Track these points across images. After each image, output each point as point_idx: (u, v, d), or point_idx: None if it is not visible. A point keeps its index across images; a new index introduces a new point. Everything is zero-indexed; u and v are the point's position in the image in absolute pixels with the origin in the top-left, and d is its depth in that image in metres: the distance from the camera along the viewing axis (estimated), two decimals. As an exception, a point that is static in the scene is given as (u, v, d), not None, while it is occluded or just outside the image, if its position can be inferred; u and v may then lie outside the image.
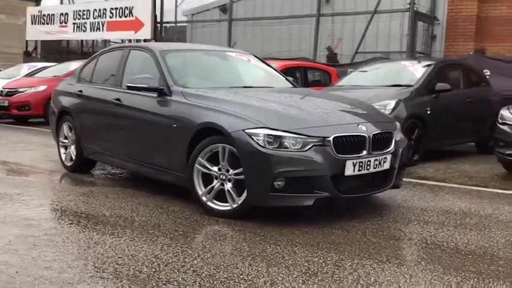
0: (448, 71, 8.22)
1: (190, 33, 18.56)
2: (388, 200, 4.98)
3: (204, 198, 4.38)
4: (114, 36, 19.03)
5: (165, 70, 5.06)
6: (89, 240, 3.65)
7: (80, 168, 6.31)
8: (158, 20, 17.80)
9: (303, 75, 9.87)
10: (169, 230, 3.92)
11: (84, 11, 19.23)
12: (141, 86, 4.95)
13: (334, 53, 13.60)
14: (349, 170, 4.09)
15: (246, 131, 4.05)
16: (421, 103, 7.31)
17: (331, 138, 4.03)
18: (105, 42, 21.54)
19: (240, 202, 4.18)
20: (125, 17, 18.09)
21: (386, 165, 4.37)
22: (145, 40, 17.99)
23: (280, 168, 3.94)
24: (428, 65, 7.92)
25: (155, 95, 4.97)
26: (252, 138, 4.00)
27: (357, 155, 4.15)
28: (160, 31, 18.02)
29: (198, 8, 18.61)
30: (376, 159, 4.26)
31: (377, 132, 4.33)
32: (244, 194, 4.15)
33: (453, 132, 7.85)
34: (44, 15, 20.58)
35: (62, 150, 6.56)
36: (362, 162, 4.16)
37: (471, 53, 11.51)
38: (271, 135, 3.99)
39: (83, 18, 19.31)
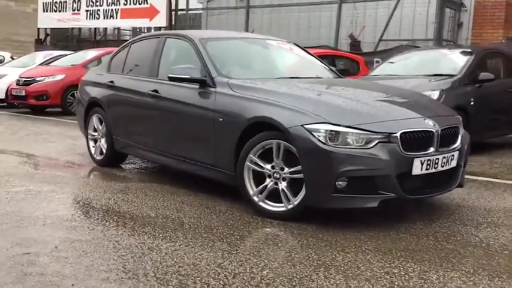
0: (489, 60, 7.85)
1: (206, 20, 18.18)
2: (445, 199, 4.67)
3: (255, 198, 4.08)
4: (129, 24, 18.77)
5: (207, 60, 4.74)
6: (142, 245, 3.36)
7: (111, 162, 6.03)
8: (173, 7, 17.44)
9: (330, 63, 9.51)
10: (223, 234, 3.63)
11: (97, -2, 18.88)
12: (182, 76, 4.63)
13: (357, 41, 13.23)
14: (417, 169, 3.77)
15: (306, 126, 3.72)
16: (464, 93, 6.96)
17: (398, 134, 3.71)
18: (118, 30, 21.27)
19: (296, 203, 3.88)
20: (140, 4, 17.76)
21: (453, 163, 4.05)
22: (160, 28, 17.68)
23: (344, 167, 3.62)
24: (470, 53, 7.55)
25: (197, 86, 4.66)
26: (312, 135, 3.68)
27: (424, 152, 3.83)
28: (176, 18, 17.65)
29: (214, -5, 18.22)
30: (444, 157, 3.93)
31: (445, 127, 4.01)
32: (302, 194, 3.84)
33: (496, 124, 7.52)
34: (56, 2, 20.27)
35: (91, 144, 6.27)
36: (430, 160, 3.83)
37: (503, 41, 11.11)
38: (332, 131, 3.67)
39: (96, 5, 19.00)
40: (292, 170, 3.88)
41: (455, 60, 7.52)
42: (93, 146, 6.24)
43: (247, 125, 4.11)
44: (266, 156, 4.03)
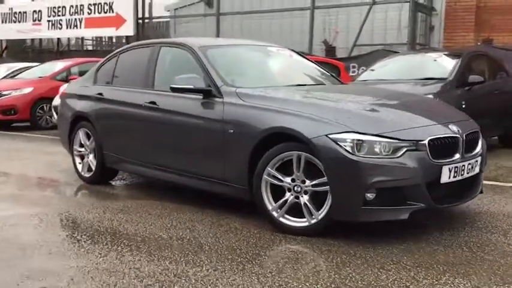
0: (475, 63, 7.85)
1: (174, 29, 17.85)
2: (461, 206, 4.53)
3: (275, 214, 3.84)
4: (94, 33, 18.26)
5: (209, 68, 4.48)
6: (166, 272, 3.07)
7: (100, 179, 5.68)
8: (140, 15, 17.05)
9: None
10: (249, 254, 3.38)
11: (59, 7, 18.34)
12: (186, 87, 4.37)
13: (332, 47, 13.17)
14: (445, 177, 3.62)
15: (331, 136, 3.52)
16: (456, 96, 6.90)
17: (426, 142, 3.55)
18: (82, 40, 20.69)
19: (320, 217, 3.66)
20: (105, 13, 17.31)
21: (477, 169, 3.93)
22: (127, 37, 17.28)
23: (373, 178, 3.43)
24: (458, 56, 7.53)
25: (200, 97, 4.40)
26: (339, 145, 3.48)
27: (450, 159, 3.68)
28: (143, 27, 17.26)
29: (181, 3, 17.91)
30: (469, 163, 3.81)
31: (468, 132, 3.88)
32: (326, 208, 3.63)
33: (485, 126, 7.48)
34: (15, 13, 19.58)
35: (78, 160, 5.91)
36: (457, 167, 3.69)
37: (479, 44, 11.24)
38: (360, 140, 3.48)
39: (58, 15, 18.42)
40: (314, 182, 3.66)
41: (444, 64, 7.50)
42: (80, 163, 5.88)
43: (263, 136, 3.88)
44: (284, 168, 3.81)
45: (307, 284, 2.88)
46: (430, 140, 3.57)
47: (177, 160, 4.65)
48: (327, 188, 3.60)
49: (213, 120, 4.25)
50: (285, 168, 3.81)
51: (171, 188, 5.30)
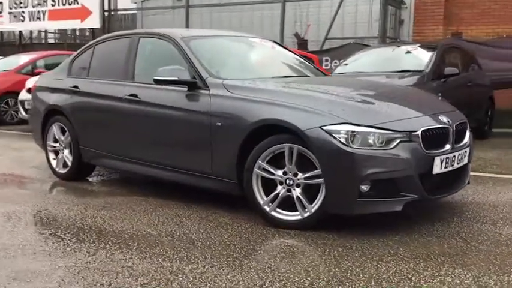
0: (449, 55, 7.94)
1: (141, 21, 17.52)
2: (445, 198, 4.55)
3: (266, 208, 3.76)
4: (58, 25, 17.74)
5: (193, 60, 4.36)
6: (161, 269, 2.96)
7: (77, 175, 5.49)
8: (106, 7, 16.65)
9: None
10: (244, 250, 3.30)
11: (21, -1, 17.70)
12: (170, 79, 4.24)
13: (304, 40, 13.14)
14: (437, 168, 3.61)
15: (324, 127, 3.46)
16: (433, 88, 6.93)
17: (419, 132, 3.53)
18: (45, 33, 20.11)
19: (313, 210, 3.61)
20: (69, 4, 16.82)
21: (465, 160, 3.94)
22: (93, 30, 16.88)
23: (369, 169, 3.39)
24: (433, 49, 7.60)
25: (185, 89, 4.28)
26: (333, 136, 3.42)
27: (442, 150, 3.68)
28: (109, 20, 16.86)
29: (148, -5, 17.58)
30: (459, 154, 3.81)
31: (458, 122, 3.89)
32: (319, 201, 3.58)
33: (460, 118, 7.59)
34: (-25, 4, 18.79)
35: (52, 156, 5.69)
36: (448, 157, 3.69)
37: (448, 37, 11.39)
38: (354, 131, 3.43)
39: (20, 7, 17.80)
40: (307, 175, 3.60)
41: (419, 56, 7.55)
42: (54, 159, 5.67)
43: (253, 128, 3.79)
44: (275, 161, 3.74)
45: (309, 279, 2.82)
46: (423, 131, 3.55)
47: (161, 154, 4.51)
48: (320, 180, 3.54)
49: (199, 112, 4.13)
50: (276, 161, 3.74)
51: (151, 183, 5.18)
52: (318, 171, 3.55)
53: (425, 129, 3.56)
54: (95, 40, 5.57)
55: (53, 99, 5.60)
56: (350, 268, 2.97)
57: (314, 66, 5.27)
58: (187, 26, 15.11)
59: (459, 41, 9.97)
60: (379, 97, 3.99)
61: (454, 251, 3.26)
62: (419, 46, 7.93)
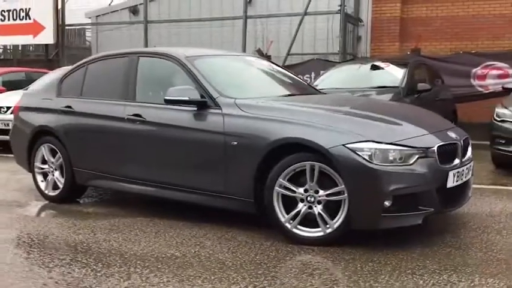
0: (418, 71, 8.30)
1: (96, 36, 17.19)
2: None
3: (288, 225, 3.82)
4: (9, 41, 17.13)
5: (201, 79, 4.38)
6: (206, 292, 2.96)
7: (68, 197, 5.36)
8: (60, 22, 16.25)
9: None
10: (278, 268, 3.34)
11: (-31, 13, 16.97)
12: (181, 98, 4.24)
13: (267, 55, 13.30)
14: (450, 182, 3.80)
15: (348, 145, 3.57)
16: (408, 103, 7.24)
17: (435, 148, 3.70)
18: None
19: (335, 226, 3.70)
20: (20, 19, 16.30)
21: (470, 174, 4.15)
22: (46, 45, 16.45)
23: (392, 185, 3.52)
24: (404, 65, 7.93)
25: (194, 109, 4.29)
26: (357, 154, 3.54)
27: (453, 165, 3.87)
28: (62, 35, 16.46)
29: (102, 10, 17.28)
30: (466, 168, 4.02)
31: (464, 138, 4.10)
32: (341, 217, 3.67)
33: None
34: None
35: (39, 178, 5.53)
36: (459, 171, 3.89)
37: (408, 53, 11.87)
38: (376, 149, 3.56)
39: (-31, 22, 17.05)
40: (329, 192, 3.69)
41: (392, 72, 7.85)
42: (42, 181, 5.51)
43: (272, 147, 3.85)
44: (294, 179, 3.81)
45: (357, 294, 2.90)
46: (438, 146, 3.73)
47: (169, 174, 4.47)
48: (342, 197, 3.65)
49: (212, 132, 4.15)
50: (295, 178, 3.81)
51: (147, 202, 5.15)
52: (340, 188, 3.65)
53: (440, 145, 3.74)
54: (86, 59, 5.47)
55: (41, 119, 5.45)
56: (389, 282, 3.07)
57: (308, 84, 5.39)
58: (145, 42, 14.98)
59: (419, 57, 10.44)
60: (389, 115, 4.12)
61: (476, 261, 3.43)
62: (391, 63, 8.23)
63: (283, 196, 3.84)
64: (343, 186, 3.63)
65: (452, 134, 4.00)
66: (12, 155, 6.07)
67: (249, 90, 4.63)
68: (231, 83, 4.61)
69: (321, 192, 3.73)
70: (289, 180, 3.81)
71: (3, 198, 5.68)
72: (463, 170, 3.96)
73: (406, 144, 3.64)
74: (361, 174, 3.54)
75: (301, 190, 3.78)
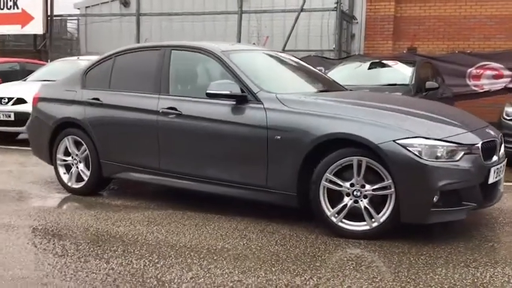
0: (424, 70, 8.46)
1: (85, 28, 16.96)
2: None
3: (333, 219, 3.89)
4: (-5, 31, 16.74)
5: (240, 74, 4.41)
6: (271, 282, 3.01)
7: (92, 190, 5.33)
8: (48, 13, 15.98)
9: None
10: (334, 260, 3.42)
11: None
12: (223, 93, 4.26)
13: (263, 51, 13.33)
14: (491, 178, 3.92)
15: (398, 141, 3.66)
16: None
17: (479, 145, 3.82)
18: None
19: (382, 220, 3.78)
20: (8, 9, 15.99)
21: (503, 171, 4.28)
22: (35, 36, 16.19)
23: (442, 181, 3.62)
24: (412, 64, 8.07)
25: (232, 103, 4.33)
26: (408, 149, 3.63)
27: (493, 161, 3.99)
28: (51, 25, 16.19)
29: (92, 1, 17.04)
30: (503, 165, 4.15)
31: (500, 135, 4.23)
32: (387, 211, 3.76)
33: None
34: None
35: (62, 170, 5.48)
36: (498, 168, 4.01)
37: (404, 52, 12.05)
38: (426, 145, 3.65)
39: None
40: (376, 186, 3.77)
41: (401, 70, 7.98)
42: (65, 173, 5.46)
43: (318, 142, 3.91)
44: (339, 174, 3.89)
45: (423, 285, 2.98)
46: (482, 143, 3.84)
47: (208, 168, 4.49)
48: (388, 191, 3.73)
49: (254, 126, 4.19)
50: (340, 173, 3.89)
51: (170, 195, 5.19)
52: (386, 183, 3.73)
53: (483, 142, 3.86)
54: (113, 51, 5.42)
55: (66, 111, 5.39)
56: (448, 274, 3.17)
57: (334, 80, 5.47)
58: (138, 35, 14.89)
59: (422, 56, 10.63)
60: (430, 112, 4.20)
61: (521, 254, 3.56)
62: (399, 61, 8.37)
63: (328, 190, 3.91)
64: (390, 181, 3.71)
65: (492, 132, 4.13)
66: (14, 147, 5.99)
67: (285, 85, 4.69)
68: (267, 78, 4.65)
69: (368, 186, 3.81)
70: (335, 175, 3.88)
71: (22, 190, 5.61)
72: (501, 167, 4.08)
73: (453, 140, 3.74)
74: (412, 170, 3.63)
75: (347, 184, 3.85)
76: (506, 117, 6.76)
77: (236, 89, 4.28)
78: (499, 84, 10.81)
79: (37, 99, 5.82)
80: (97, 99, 5.18)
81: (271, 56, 5.31)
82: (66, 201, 5.20)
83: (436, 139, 3.69)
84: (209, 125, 4.43)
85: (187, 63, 4.91)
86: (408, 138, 3.67)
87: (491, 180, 3.91)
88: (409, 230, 3.88)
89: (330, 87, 5.10)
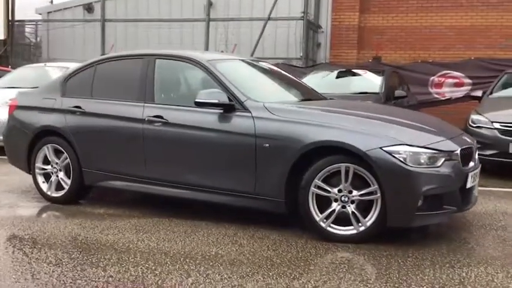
0: (392, 78, 8.74)
1: (47, 33, 16.66)
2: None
3: (322, 224, 4.02)
4: (-47, 36, 16.23)
5: (227, 83, 4.50)
6: (270, 286, 3.10)
7: (73, 198, 5.29)
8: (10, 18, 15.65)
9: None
10: (327, 264, 3.55)
11: None
12: (211, 101, 4.34)
13: (230, 59, 13.43)
14: (469, 183, 4.13)
15: (385, 148, 3.82)
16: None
17: (458, 151, 4.02)
18: None
19: (368, 224, 3.94)
20: (-33, 14, 15.53)
21: (478, 176, 4.51)
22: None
23: (425, 186, 3.80)
24: (380, 73, 8.33)
25: (219, 111, 4.41)
26: (394, 156, 3.79)
27: (469, 167, 4.21)
28: (12, 31, 15.86)
29: (55, 6, 16.78)
30: (478, 170, 4.37)
31: (475, 142, 4.45)
32: (373, 216, 3.92)
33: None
34: None
35: (41, 179, 5.42)
36: (474, 174, 4.23)
37: (370, 61, 12.39)
38: (410, 151, 3.83)
39: None
40: (363, 192, 3.93)
41: (370, 79, 8.22)
42: (44, 182, 5.41)
43: (306, 150, 4.03)
44: (327, 180, 4.02)
45: (415, 285, 3.14)
46: (461, 149, 4.05)
47: (195, 175, 4.54)
48: (374, 197, 3.89)
49: (242, 134, 4.28)
50: (327, 179, 4.02)
51: (151, 203, 5.20)
52: (372, 188, 3.89)
53: (462, 149, 4.07)
54: (94, 59, 5.41)
55: (45, 119, 5.35)
56: (436, 275, 3.34)
57: (312, 89, 5.62)
58: (102, 41, 14.75)
59: (386, 66, 10.95)
60: (411, 120, 4.39)
61: (500, 254, 3.78)
62: (368, 70, 8.62)
63: (317, 196, 4.04)
64: (376, 186, 3.87)
65: (467, 139, 4.35)
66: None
67: (269, 93, 4.80)
68: (252, 87, 4.74)
69: (355, 192, 3.95)
70: (323, 181, 4.01)
71: (6, 201, 5.50)
72: (476, 173, 4.31)
73: (435, 147, 3.93)
74: (398, 175, 3.80)
75: (335, 190, 3.99)
76: (472, 124, 7.08)
77: (224, 98, 4.37)
78: (460, 92, 11.27)
79: (14, 107, 5.74)
80: (78, 107, 5.16)
81: (253, 65, 5.41)
82: (47, 210, 5.15)
83: (419, 146, 3.88)
84: (196, 133, 4.50)
85: (172, 72, 4.96)
86: (394, 145, 3.84)
87: (469, 185, 4.13)
88: (392, 234, 4.05)
89: (310, 95, 5.25)
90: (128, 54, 5.30)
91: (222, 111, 4.41)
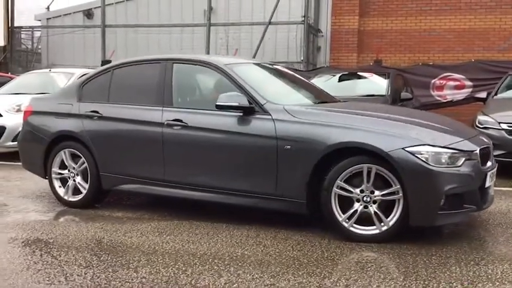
0: (397, 81, 8.84)
1: (47, 40, 16.67)
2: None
3: (345, 224, 4.08)
4: (-48, 42, 16.22)
5: (246, 86, 4.56)
6: (302, 285, 3.15)
7: (90, 202, 5.33)
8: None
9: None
10: (354, 265, 3.59)
11: None
12: (232, 104, 4.40)
13: (232, 63, 13.50)
14: (488, 182, 4.21)
15: (407, 149, 3.89)
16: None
17: (478, 151, 4.10)
18: None
19: (391, 223, 4.00)
20: (-34, 20, 15.54)
21: (495, 176, 4.58)
22: (-5, 47, 15.80)
23: (448, 185, 3.87)
24: (386, 75, 8.42)
25: (239, 114, 4.47)
26: (416, 157, 3.86)
27: (487, 167, 4.28)
28: (12, 37, 15.86)
29: (54, 12, 16.79)
30: (495, 170, 4.45)
31: (491, 142, 4.54)
32: (396, 215, 3.98)
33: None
34: None
35: (57, 184, 5.45)
36: (492, 173, 4.31)
37: (371, 64, 12.49)
38: (432, 152, 3.90)
39: None
40: (385, 192, 3.99)
41: (377, 82, 8.31)
42: (60, 186, 5.44)
43: (328, 151, 4.10)
44: (349, 180, 4.08)
45: (444, 283, 3.20)
46: (480, 149, 4.13)
47: (216, 178, 4.58)
48: (396, 196, 3.96)
49: (264, 136, 4.33)
50: (349, 180, 4.08)
51: (169, 205, 5.21)
52: (394, 188, 3.96)
53: (481, 148, 4.14)
54: (111, 64, 5.46)
55: (62, 124, 5.39)
56: (462, 272, 3.40)
57: (325, 91, 5.69)
58: (103, 47, 14.77)
59: (386, 67, 11.06)
60: (430, 121, 4.47)
61: (524, 251, 3.85)
62: (374, 73, 8.71)
63: (339, 196, 4.10)
64: (398, 186, 3.94)
65: (485, 139, 4.43)
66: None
67: (287, 96, 4.87)
68: (270, 90, 4.81)
69: (377, 192, 4.02)
70: (345, 182, 4.07)
71: (15, 204, 5.52)
72: (494, 172, 4.39)
73: (456, 147, 4.00)
74: (420, 175, 3.86)
75: (357, 191, 4.05)
76: (479, 125, 7.17)
77: (244, 101, 4.42)
78: (461, 94, 11.38)
79: (29, 113, 5.77)
80: (96, 112, 5.21)
81: (267, 68, 5.48)
82: (65, 214, 5.18)
83: (440, 146, 3.95)
84: (216, 135, 4.55)
85: (189, 76, 5.02)
86: (416, 145, 3.91)
87: (487, 184, 4.20)
88: (412, 233, 4.11)
89: (325, 98, 5.32)
90: (145, 59, 5.35)
91: (241, 114, 4.47)
